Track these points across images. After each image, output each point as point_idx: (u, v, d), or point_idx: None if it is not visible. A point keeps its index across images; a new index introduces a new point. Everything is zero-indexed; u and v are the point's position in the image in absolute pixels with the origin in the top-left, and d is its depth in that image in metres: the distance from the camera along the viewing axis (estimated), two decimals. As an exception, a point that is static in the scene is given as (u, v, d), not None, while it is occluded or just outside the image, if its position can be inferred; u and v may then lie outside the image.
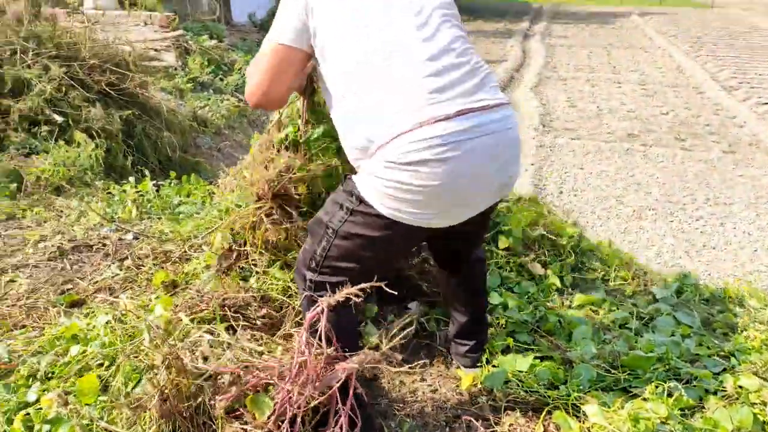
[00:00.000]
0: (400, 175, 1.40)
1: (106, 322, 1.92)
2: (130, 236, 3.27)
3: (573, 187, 6.38)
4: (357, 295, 1.40)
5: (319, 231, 1.58)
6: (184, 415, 1.35)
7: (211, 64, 7.83)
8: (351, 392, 1.42)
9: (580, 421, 1.63)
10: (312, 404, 1.39)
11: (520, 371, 1.86)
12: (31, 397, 1.57)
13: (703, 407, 1.61)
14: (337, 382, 1.40)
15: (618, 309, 2.18)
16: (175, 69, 7.41)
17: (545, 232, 2.37)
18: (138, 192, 4.01)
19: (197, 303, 1.86)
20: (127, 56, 5.39)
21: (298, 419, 1.35)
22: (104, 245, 3.14)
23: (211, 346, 1.45)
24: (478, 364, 1.93)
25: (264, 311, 1.86)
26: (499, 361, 1.91)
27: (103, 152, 4.68)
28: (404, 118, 1.39)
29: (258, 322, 1.85)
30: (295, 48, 1.52)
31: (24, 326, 2.20)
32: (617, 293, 2.31)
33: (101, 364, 1.58)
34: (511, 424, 1.68)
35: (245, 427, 1.36)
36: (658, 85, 10.99)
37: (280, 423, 1.36)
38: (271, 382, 1.38)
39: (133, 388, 1.47)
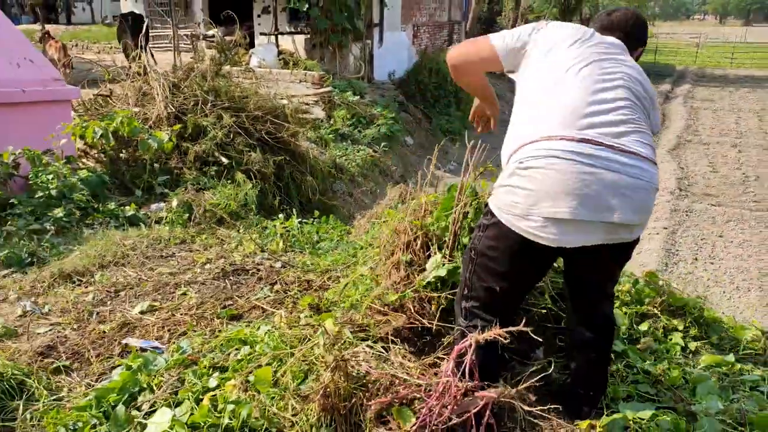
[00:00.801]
0: (514, 179, 1.68)
1: (266, 331, 2.27)
2: (278, 264, 3.70)
3: (710, 255, 6.08)
4: (503, 336, 1.61)
5: (467, 258, 1.85)
6: (341, 412, 1.61)
7: (353, 118, 8.50)
8: (485, 420, 1.61)
9: (701, 474, 1.67)
10: (449, 424, 1.58)
11: (641, 419, 1.93)
12: (213, 383, 1.92)
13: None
14: (475, 408, 1.60)
15: (749, 373, 2.15)
16: (322, 121, 8.15)
17: (659, 312, 2.39)
18: (285, 227, 4.50)
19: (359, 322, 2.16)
20: (285, 109, 6.12)
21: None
22: (258, 270, 3.58)
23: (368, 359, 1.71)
24: (590, 417, 1.99)
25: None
26: (620, 407, 1.98)
27: (257, 191, 5.33)
28: (536, 132, 1.69)
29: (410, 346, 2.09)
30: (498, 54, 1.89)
31: (194, 331, 2.63)
32: (748, 361, 2.27)
33: (269, 364, 1.90)
34: (628, 468, 1.75)
35: (390, 431, 1.59)
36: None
37: None
38: (418, 396, 1.60)
39: (299, 384, 1.77)
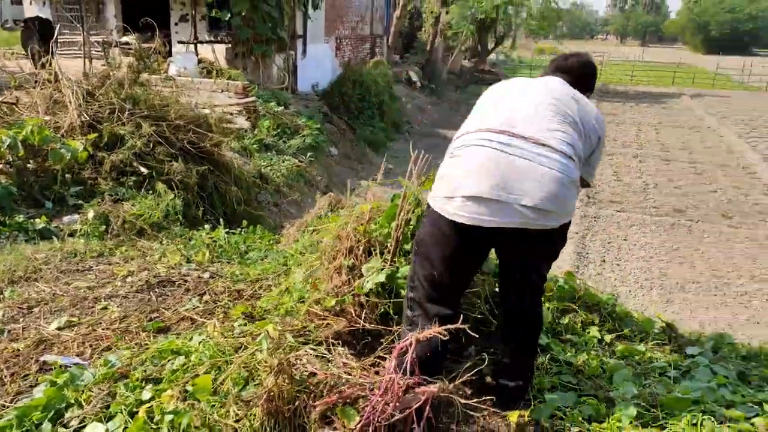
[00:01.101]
0: (445, 168, 1.91)
1: (201, 341, 2.23)
2: (206, 275, 3.62)
3: (616, 257, 6.52)
4: (443, 334, 1.69)
5: (413, 251, 2.03)
6: (286, 415, 1.62)
7: (277, 128, 8.44)
8: (425, 415, 1.67)
9: (618, 452, 1.81)
10: (391, 421, 1.63)
11: (565, 407, 2.06)
12: (146, 395, 1.86)
13: (735, 446, 1.77)
14: (417, 404, 1.65)
15: (657, 360, 2.35)
16: (246, 131, 8.04)
17: (577, 308, 2.58)
18: (211, 238, 4.41)
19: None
20: (209, 118, 5.99)
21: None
22: (185, 281, 3.49)
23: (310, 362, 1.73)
24: (518, 408, 2.11)
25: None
26: (546, 398, 2.11)
27: (180, 202, 5.18)
28: (465, 129, 1.97)
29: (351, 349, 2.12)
30: None
31: (119, 346, 2.53)
32: (655, 350, 2.48)
33: (207, 372, 1.87)
34: (557, 452, 1.87)
35: (335, 431, 1.61)
36: (708, 164, 11.10)
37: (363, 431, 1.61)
38: (362, 395, 1.64)
39: (240, 391, 1.76)
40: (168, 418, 1.67)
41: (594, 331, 2.51)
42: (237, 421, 1.67)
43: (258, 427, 1.63)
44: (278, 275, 3.55)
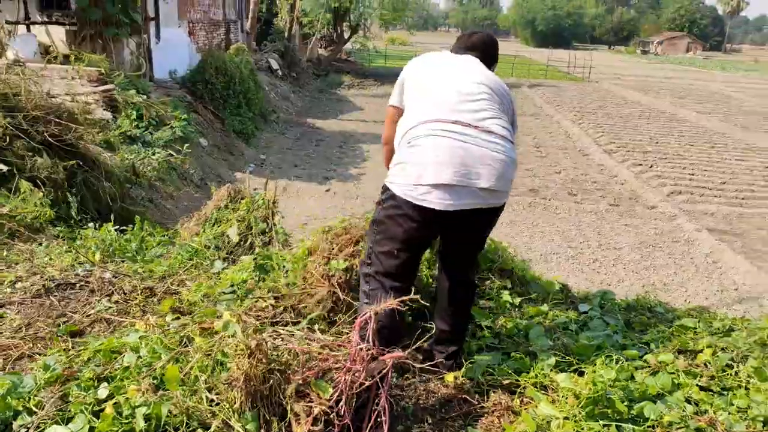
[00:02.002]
0: (404, 156, 2.07)
1: (139, 337, 2.19)
2: (108, 275, 3.45)
3: (528, 241, 7.13)
4: (399, 305, 1.86)
5: (370, 230, 2.19)
6: (264, 393, 1.69)
7: (141, 119, 7.98)
8: (388, 379, 1.83)
9: (546, 394, 2.12)
10: (361, 389, 1.77)
11: (494, 364, 2.34)
12: (103, 393, 1.81)
13: (635, 378, 2.17)
14: (383, 371, 1.81)
15: (559, 317, 2.74)
16: (108, 122, 7.49)
17: (492, 275, 2.93)
18: (98, 237, 4.16)
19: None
20: (70, 108, 5.52)
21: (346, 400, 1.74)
22: (87, 283, 3.29)
23: (280, 340, 1.81)
24: (454, 370, 2.36)
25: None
26: (476, 359, 2.38)
27: (49, 200, 4.76)
28: (418, 119, 2.12)
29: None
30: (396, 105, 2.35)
31: (29, 355, 2.37)
32: (555, 308, 2.88)
33: (164, 366, 1.86)
34: (494, 402, 2.14)
35: (310, 404, 1.72)
36: (551, 148, 12.37)
37: (337, 401, 1.73)
38: (335, 367, 1.75)
39: (208, 377, 1.78)
40: (142, 411, 1.65)
41: (506, 295, 2.84)
42: (216, 405, 1.71)
43: (237, 408, 1.69)
44: (187, 269, 3.49)
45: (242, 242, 3.86)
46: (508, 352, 2.44)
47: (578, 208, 8.45)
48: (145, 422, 1.65)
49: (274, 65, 16.90)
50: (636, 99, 19.06)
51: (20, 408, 1.76)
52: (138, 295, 3.09)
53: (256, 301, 2.35)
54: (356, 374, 1.77)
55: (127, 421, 1.68)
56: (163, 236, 4.46)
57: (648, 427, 1.90)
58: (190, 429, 1.67)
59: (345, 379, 1.76)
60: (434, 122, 2.05)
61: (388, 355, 1.85)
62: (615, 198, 9.10)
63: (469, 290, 2.31)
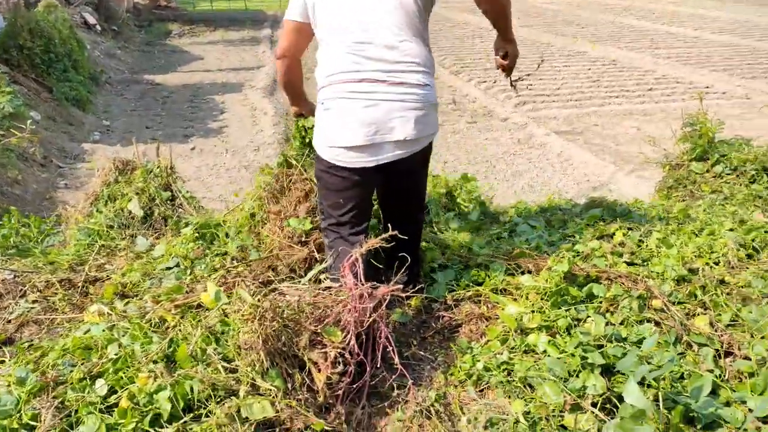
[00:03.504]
0: (320, 119, 2.17)
1: (108, 328, 2.07)
2: (8, 275, 3.11)
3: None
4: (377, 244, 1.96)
5: (316, 187, 2.29)
6: (282, 350, 1.72)
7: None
8: (381, 311, 1.94)
9: (505, 297, 2.38)
10: (367, 324, 1.86)
11: (452, 280, 2.55)
12: (103, 389, 1.72)
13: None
14: (380, 307, 1.91)
15: (490, 229, 3.02)
16: None
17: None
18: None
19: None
20: None
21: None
22: (-14, 288, 2.95)
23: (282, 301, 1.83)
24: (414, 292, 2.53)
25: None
26: (434, 277, 2.57)
27: None
28: (328, 77, 2.13)
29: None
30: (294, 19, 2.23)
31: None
32: (489, 223, 3.16)
33: (163, 348, 1.79)
34: (466, 313, 2.35)
35: (325, 350, 1.79)
36: (401, 75, 12.70)
37: (347, 342, 1.82)
38: (340, 312, 1.82)
39: (215, 348, 1.76)
40: (165, 394, 1.62)
41: (442, 218, 3.05)
42: (234, 372, 1.72)
43: (259, 369, 1.71)
44: (98, 253, 3.25)
45: (149, 215, 3.64)
46: (460, 267, 2.66)
47: (443, 129, 8.90)
48: (172, 403, 1.62)
49: (91, 20, 15.12)
50: (466, 20, 19.97)
51: (15, 425, 1.63)
52: (58, 289, 2.85)
53: (227, 270, 2.30)
54: (360, 313, 1.87)
55: (146, 409, 1.63)
56: (42, 225, 4.04)
57: (598, 303, 2.23)
58: (218, 399, 1.67)
59: (351, 320, 1.84)
60: (341, 83, 2.10)
61: (381, 290, 1.95)
62: (472, 115, 9.71)
63: (417, 226, 2.48)
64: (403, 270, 2.44)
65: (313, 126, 2.52)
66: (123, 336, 1.96)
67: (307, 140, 2.71)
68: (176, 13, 21.92)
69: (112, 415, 1.62)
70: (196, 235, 2.81)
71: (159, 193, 3.66)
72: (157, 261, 2.74)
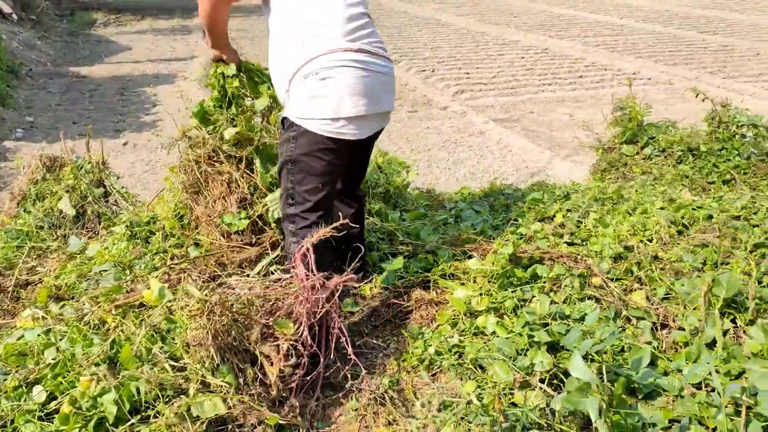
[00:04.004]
0: (315, 90, 2.04)
1: (44, 332, 1.97)
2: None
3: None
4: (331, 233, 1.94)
5: (284, 171, 2.16)
6: (233, 344, 1.68)
7: None
8: (334, 302, 1.92)
9: (454, 282, 2.42)
10: (320, 315, 1.85)
11: (400, 269, 2.57)
12: (41, 396, 1.63)
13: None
14: (332, 298, 1.89)
15: (436, 215, 3.05)
16: None
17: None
18: None
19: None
20: None
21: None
22: None
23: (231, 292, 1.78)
24: (364, 282, 2.54)
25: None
26: (383, 267, 2.58)
27: None
28: (322, 47, 2.06)
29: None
30: None
31: None
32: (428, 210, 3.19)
33: (106, 351, 1.71)
34: (416, 299, 2.37)
35: (277, 342, 1.76)
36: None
37: (300, 334, 1.80)
38: (292, 304, 1.80)
39: (160, 348, 1.69)
40: (110, 397, 1.55)
41: (383, 208, 3.05)
42: (182, 370, 1.67)
43: (209, 366, 1.67)
44: (29, 255, 3.09)
45: (81, 214, 3.48)
46: (408, 254, 2.68)
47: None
48: (118, 404, 1.55)
49: (6, 9, 14.21)
50: (403, 9, 20.02)
51: (-55, 442, 1.53)
52: (-13, 294, 2.69)
53: (170, 267, 2.22)
54: (312, 304, 1.85)
55: (90, 413, 1.56)
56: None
57: (543, 283, 2.30)
58: (167, 399, 1.61)
59: (303, 312, 1.83)
60: (341, 52, 2.06)
61: (334, 281, 1.94)
62: (412, 105, 9.77)
63: (364, 205, 2.49)
64: (356, 260, 2.45)
65: (233, 74, 2.46)
66: (61, 340, 1.86)
67: (229, 91, 2.55)
68: (100, 2, 20.92)
69: (52, 422, 1.54)
70: (129, 233, 2.70)
71: (91, 190, 3.50)
72: (93, 262, 2.62)
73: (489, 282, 2.28)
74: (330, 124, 2.06)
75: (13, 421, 1.56)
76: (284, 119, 2.16)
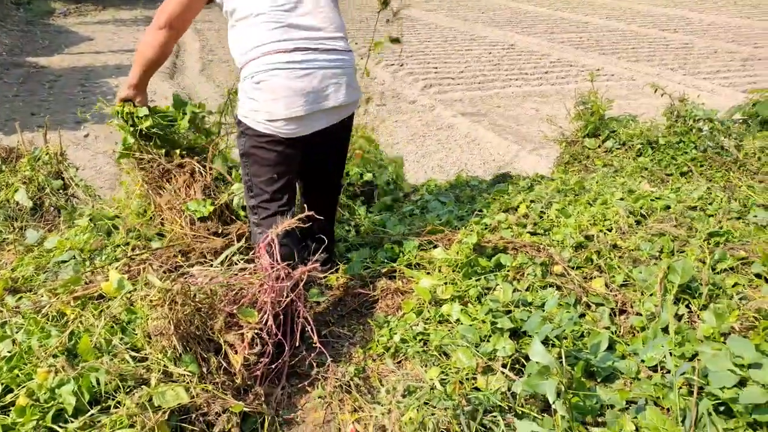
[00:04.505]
0: (252, 93, 2.06)
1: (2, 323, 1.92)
2: None
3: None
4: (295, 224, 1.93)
5: (242, 164, 2.18)
6: (196, 333, 1.67)
7: None
8: (299, 291, 1.92)
9: (419, 271, 2.44)
10: (284, 304, 1.84)
11: (366, 258, 2.58)
12: (-5, 392, 1.60)
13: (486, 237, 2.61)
14: (295, 288, 1.89)
15: (404, 206, 3.07)
16: None
17: None
18: None
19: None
20: None
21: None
22: None
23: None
24: (330, 272, 2.54)
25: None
26: (349, 257, 2.58)
27: None
28: (257, 48, 2.04)
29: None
30: None
31: None
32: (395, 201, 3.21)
33: (64, 342, 1.68)
34: (382, 288, 2.39)
35: (241, 331, 1.75)
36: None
37: (264, 322, 1.79)
38: (254, 293, 1.79)
39: (121, 338, 1.67)
40: (68, 388, 1.52)
41: (350, 200, 3.06)
42: (143, 360, 1.65)
43: (171, 355, 1.65)
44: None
45: (39, 206, 3.40)
46: (374, 245, 2.69)
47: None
48: (77, 396, 1.53)
49: (-41, -4, 13.70)
50: (372, 3, 19.97)
51: None
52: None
53: (131, 258, 2.18)
54: (276, 293, 1.84)
55: (48, 405, 1.53)
56: None
57: (506, 272, 2.34)
58: (128, 390, 1.59)
59: (267, 300, 1.82)
60: (274, 54, 2.03)
61: (299, 270, 1.93)
62: (381, 98, 9.77)
63: (337, 195, 2.48)
64: (321, 250, 2.45)
65: (146, 115, 2.39)
66: (17, 332, 1.82)
67: (141, 129, 2.44)
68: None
69: (8, 415, 1.51)
70: (92, 226, 2.64)
71: (49, 182, 3.41)
72: (51, 254, 2.56)
73: (454, 271, 2.30)
74: (269, 124, 2.08)
75: (-35, 415, 1.52)
76: (237, 119, 2.19)
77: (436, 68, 11.61)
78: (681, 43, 13.80)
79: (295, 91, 2.04)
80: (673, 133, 3.88)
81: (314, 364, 1.96)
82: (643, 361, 1.88)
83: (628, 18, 17.59)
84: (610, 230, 2.65)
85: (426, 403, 1.66)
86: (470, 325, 2.02)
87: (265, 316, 1.79)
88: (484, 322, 2.01)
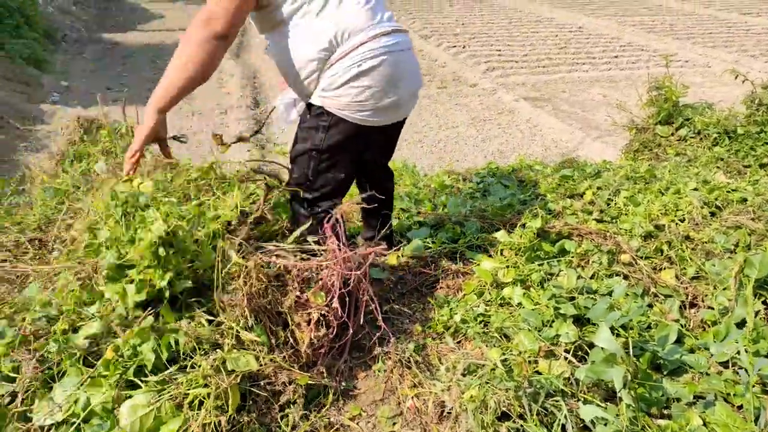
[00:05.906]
0: (356, 81, 1.91)
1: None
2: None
3: None
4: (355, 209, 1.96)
5: (305, 158, 2.07)
6: (267, 307, 1.73)
7: None
8: (364, 270, 1.94)
9: (480, 253, 2.44)
10: (352, 284, 1.87)
11: (427, 238, 2.59)
12: (84, 342, 1.71)
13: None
14: (363, 267, 1.91)
15: (465, 190, 3.06)
16: None
17: None
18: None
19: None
20: None
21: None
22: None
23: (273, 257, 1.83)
24: (392, 250, 2.57)
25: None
26: (409, 236, 2.61)
27: None
28: (356, 38, 1.91)
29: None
30: None
31: None
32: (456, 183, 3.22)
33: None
34: (442, 269, 2.40)
35: (309, 310, 1.80)
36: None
37: (330, 303, 1.83)
38: (323, 273, 1.83)
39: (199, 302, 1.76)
40: (149, 345, 1.61)
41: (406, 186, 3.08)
42: (219, 325, 1.73)
43: (244, 324, 1.72)
44: (66, 213, 3.17)
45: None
46: (435, 226, 2.70)
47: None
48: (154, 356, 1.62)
49: (42, -26, 14.38)
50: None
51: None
52: (28, 248, 2.79)
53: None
54: (344, 274, 1.88)
55: (130, 362, 1.63)
56: (7, 185, 3.91)
57: (570, 258, 2.31)
58: (203, 352, 1.68)
59: (335, 282, 1.86)
60: (374, 39, 1.93)
61: (366, 250, 1.96)
62: (441, 81, 9.69)
63: (391, 184, 2.50)
64: (385, 229, 2.48)
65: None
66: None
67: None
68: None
69: (94, 368, 1.62)
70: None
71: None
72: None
73: (516, 255, 2.29)
74: (374, 116, 1.98)
75: (59, 363, 1.64)
76: (312, 106, 2.03)
77: (499, 51, 11.39)
78: (764, 27, 13.00)
79: (399, 75, 1.98)
80: (753, 123, 3.69)
81: (375, 339, 2.00)
82: (713, 356, 1.83)
83: (705, 1, 16.68)
84: (682, 221, 2.57)
85: (487, 383, 1.67)
86: (533, 310, 2.01)
87: (332, 298, 1.83)
88: (546, 307, 1.99)
